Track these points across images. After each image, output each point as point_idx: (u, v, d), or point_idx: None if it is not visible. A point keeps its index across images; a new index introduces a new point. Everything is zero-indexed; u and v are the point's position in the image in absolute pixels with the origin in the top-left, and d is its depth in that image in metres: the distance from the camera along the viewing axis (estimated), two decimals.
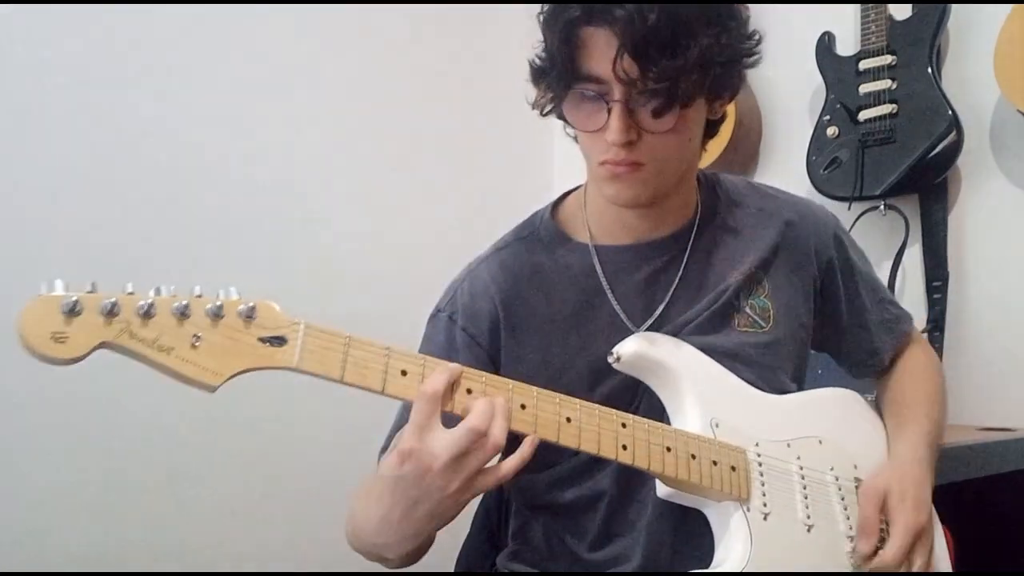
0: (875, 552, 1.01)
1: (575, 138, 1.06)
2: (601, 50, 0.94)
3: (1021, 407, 1.74)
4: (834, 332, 1.21)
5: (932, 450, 1.12)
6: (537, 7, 1.00)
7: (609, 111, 0.95)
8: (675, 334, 1.06)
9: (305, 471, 1.97)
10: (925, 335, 1.84)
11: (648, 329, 1.07)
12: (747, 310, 1.10)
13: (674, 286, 1.09)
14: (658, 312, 1.08)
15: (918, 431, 1.13)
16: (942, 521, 1.15)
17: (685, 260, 1.10)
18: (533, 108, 1.04)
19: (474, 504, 1.12)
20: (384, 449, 1.10)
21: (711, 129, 1.07)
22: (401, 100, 2.25)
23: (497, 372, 1.02)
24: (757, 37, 1.02)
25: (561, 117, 1.05)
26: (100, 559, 1.69)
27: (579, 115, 1.00)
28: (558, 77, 0.97)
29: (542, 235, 1.13)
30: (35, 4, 1.69)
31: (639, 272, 1.10)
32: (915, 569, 0.98)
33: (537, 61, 1.01)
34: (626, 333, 1.05)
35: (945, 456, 1.32)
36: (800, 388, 1.15)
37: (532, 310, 1.08)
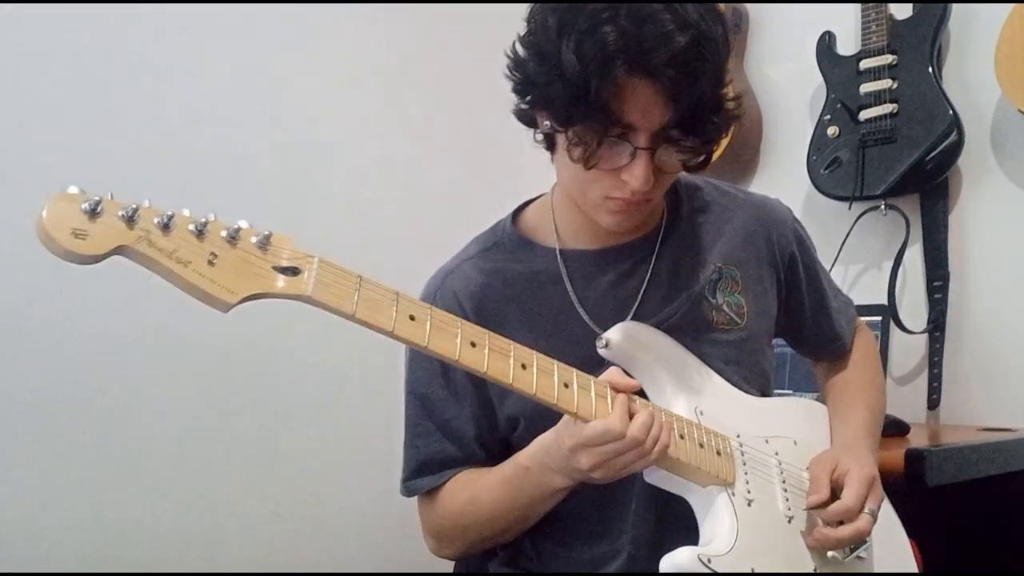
0: (825, 505, 1.02)
1: (547, 146, 1.02)
2: (640, 101, 0.90)
3: (1021, 407, 1.74)
4: (797, 320, 1.24)
5: (871, 436, 1.16)
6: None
7: (632, 154, 0.93)
8: None
9: (307, 472, 1.97)
10: (925, 335, 1.85)
11: None
12: (724, 308, 1.11)
13: (644, 288, 1.09)
14: (630, 316, 1.08)
15: (858, 419, 1.17)
16: (933, 521, 1.16)
17: (653, 262, 1.11)
18: (546, 148, 1.02)
19: None
20: (410, 475, 1.13)
21: None
22: (404, 102, 2.25)
23: (482, 382, 1.06)
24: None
25: (550, 143, 1.01)
26: (100, 559, 1.69)
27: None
28: (594, 123, 0.90)
29: (507, 244, 1.14)
30: None
31: (605, 276, 1.10)
32: (868, 511, 1.00)
33: (542, 76, 0.92)
34: (591, 337, 1.05)
35: (945, 456, 1.32)
36: (771, 379, 1.19)
37: (504, 318, 1.08)
